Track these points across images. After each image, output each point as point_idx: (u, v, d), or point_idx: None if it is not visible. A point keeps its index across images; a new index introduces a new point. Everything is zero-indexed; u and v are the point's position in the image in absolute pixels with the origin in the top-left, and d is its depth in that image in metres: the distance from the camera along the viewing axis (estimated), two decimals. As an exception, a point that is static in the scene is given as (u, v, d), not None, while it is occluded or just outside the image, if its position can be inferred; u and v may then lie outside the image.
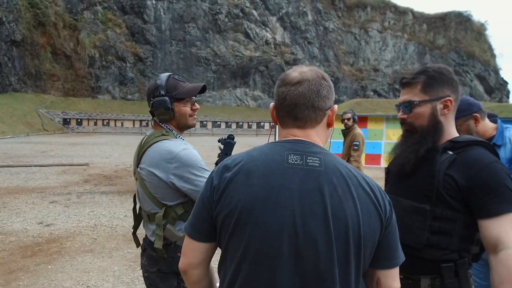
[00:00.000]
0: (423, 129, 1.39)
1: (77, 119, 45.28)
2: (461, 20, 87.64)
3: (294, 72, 1.07)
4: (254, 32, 64.47)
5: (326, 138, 1.10)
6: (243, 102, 61.97)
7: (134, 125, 47.46)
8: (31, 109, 41.90)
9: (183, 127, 1.83)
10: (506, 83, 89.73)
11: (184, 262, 1.08)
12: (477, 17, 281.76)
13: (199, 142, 26.53)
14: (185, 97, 1.75)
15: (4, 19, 40.87)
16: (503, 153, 2.02)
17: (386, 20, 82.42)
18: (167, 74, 1.82)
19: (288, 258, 0.92)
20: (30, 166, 12.49)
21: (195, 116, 1.84)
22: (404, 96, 1.43)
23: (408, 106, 1.41)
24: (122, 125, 47.12)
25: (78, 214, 6.60)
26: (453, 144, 1.37)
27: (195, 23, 60.59)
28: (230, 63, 61.45)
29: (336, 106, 1.08)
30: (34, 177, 10.53)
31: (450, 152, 1.35)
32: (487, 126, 2.10)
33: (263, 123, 52.28)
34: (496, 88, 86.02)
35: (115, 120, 47.45)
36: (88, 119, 46.05)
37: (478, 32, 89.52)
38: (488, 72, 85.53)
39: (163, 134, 1.76)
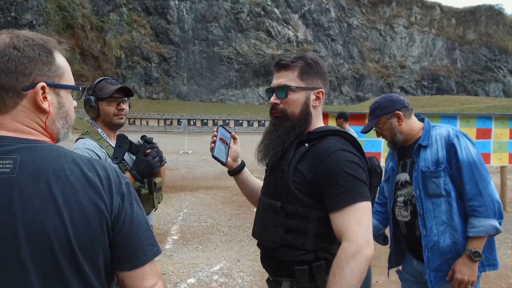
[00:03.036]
0: (294, 118, 1.28)
1: (104, 118, 46.86)
2: (492, 14, 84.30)
3: None
4: (276, 30, 64.45)
5: (32, 123, 0.83)
6: (266, 100, 61.97)
7: (158, 124, 48.46)
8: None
9: (109, 124, 1.96)
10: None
11: None
12: (509, 10, 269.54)
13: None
14: (105, 96, 1.89)
15: (34, 22, 42.66)
16: (429, 155, 1.76)
17: (413, 15, 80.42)
18: (100, 78, 2.00)
19: None
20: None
21: (121, 115, 1.96)
22: (280, 80, 1.30)
23: (284, 90, 1.28)
24: (147, 123, 48.21)
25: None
26: (309, 135, 1.26)
27: (217, 22, 61.21)
28: (253, 62, 61.66)
29: (42, 84, 0.81)
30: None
31: (306, 145, 1.24)
32: (413, 125, 1.85)
33: (285, 121, 52.11)
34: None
35: (141, 119, 48.61)
36: (115, 118, 47.50)
37: (510, 26, 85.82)
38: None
39: (83, 133, 1.94)
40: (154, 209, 2.00)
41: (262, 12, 63.82)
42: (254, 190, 1.50)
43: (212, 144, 1.45)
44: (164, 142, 24.47)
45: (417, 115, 1.98)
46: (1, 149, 0.77)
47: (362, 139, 5.78)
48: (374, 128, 1.91)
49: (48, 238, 0.75)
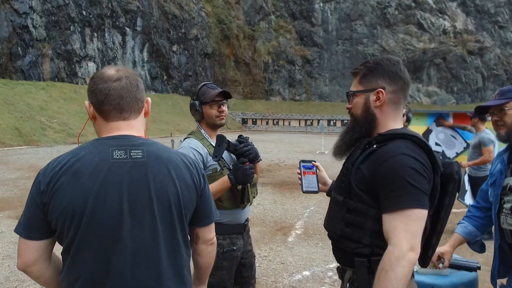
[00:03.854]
0: (358, 119, 1.39)
1: (252, 119, 50.91)
2: None
3: (110, 70, 1.21)
4: (429, 22, 58.54)
5: (144, 127, 1.27)
6: (415, 99, 57.13)
7: (299, 124, 50.04)
8: (217, 111, 49.32)
9: (211, 125, 2.17)
10: None
11: (19, 262, 1.16)
12: None
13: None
14: (208, 100, 2.09)
15: (199, 36, 49.34)
16: None
17: None
18: (202, 84, 2.21)
19: (122, 242, 1.10)
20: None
21: (222, 116, 2.15)
22: (351, 87, 1.46)
23: (350, 96, 1.42)
24: (289, 124, 50.34)
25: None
26: (378, 137, 1.31)
27: (362, 20, 59.30)
28: (400, 58, 57.57)
29: (149, 98, 1.27)
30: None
31: (375, 146, 1.30)
32: None
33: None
34: None
35: (284, 120, 51.07)
36: (262, 119, 51.09)
37: None
38: None
39: (189, 134, 2.20)
40: (249, 203, 2.20)
41: (413, 4, 58.90)
42: None
43: (300, 181, 1.65)
44: (303, 142, 25.25)
45: None
46: (134, 143, 1.17)
47: None
48: (493, 112, 1.78)
49: (168, 199, 1.16)
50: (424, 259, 1.36)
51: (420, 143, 1.25)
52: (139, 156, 1.15)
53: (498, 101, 1.73)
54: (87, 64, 33.53)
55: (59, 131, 22.20)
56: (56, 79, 29.90)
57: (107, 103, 1.17)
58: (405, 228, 1.14)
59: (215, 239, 1.42)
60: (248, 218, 2.33)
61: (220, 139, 2.02)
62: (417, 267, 1.98)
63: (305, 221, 6.10)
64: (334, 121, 48.27)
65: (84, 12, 32.65)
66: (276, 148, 20.71)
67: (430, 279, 1.91)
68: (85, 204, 1.07)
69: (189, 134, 2.22)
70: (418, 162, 1.21)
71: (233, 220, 2.15)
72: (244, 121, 50.39)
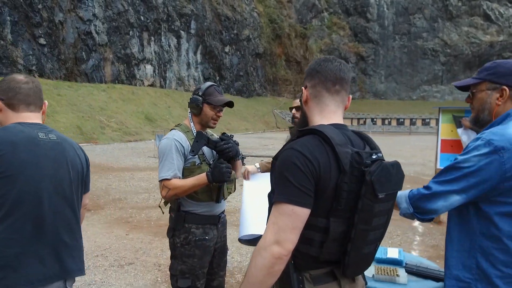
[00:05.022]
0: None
1: (303, 118, 50.49)
2: None
3: (19, 76, 1.64)
4: (497, 13, 53.81)
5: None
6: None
7: (351, 123, 48.67)
8: (268, 110, 49.65)
9: (204, 124, 2.26)
10: None
11: None
12: None
13: (418, 142, 24.86)
14: (212, 103, 2.19)
15: (250, 36, 49.97)
16: None
17: None
18: (210, 83, 2.29)
19: (49, 194, 1.52)
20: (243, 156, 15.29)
21: (216, 121, 2.24)
22: None
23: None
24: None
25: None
26: (298, 133, 1.29)
27: (422, 13, 56.13)
28: (464, 52, 53.67)
29: (46, 101, 1.69)
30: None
31: None
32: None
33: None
34: None
35: (336, 119, 50.01)
36: (312, 118, 50.46)
37: None
38: None
39: (176, 125, 2.29)
40: (224, 198, 2.28)
41: (479, -6, 54.57)
42: None
43: None
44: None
45: None
46: (48, 128, 1.60)
47: None
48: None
49: (77, 167, 1.65)
50: (343, 268, 1.23)
51: (325, 138, 1.18)
52: (55, 138, 1.59)
53: (470, 80, 1.52)
54: (145, 67, 35.46)
55: (116, 129, 23.79)
56: (116, 81, 32.01)
57: (16, 98, 1.56)
58: (274, 221, 1.14)
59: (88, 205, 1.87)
60: (224, 210, 2.40)
61: (199, 135, 2.12)
62: (373, 273, 1.91)
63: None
64: (389, 119, 46.24)
65: (142, 18, 34.57)
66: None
67: (384, 287, 1.84)
68: (23, 168, 1.46)
69: (176, 125, 2.32)
70: (304, 157, 1.14)
71: (208, 211, 2.24)
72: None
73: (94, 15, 29.64)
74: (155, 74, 36.36)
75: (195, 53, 41.77)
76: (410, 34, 56.64)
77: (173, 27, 38.31)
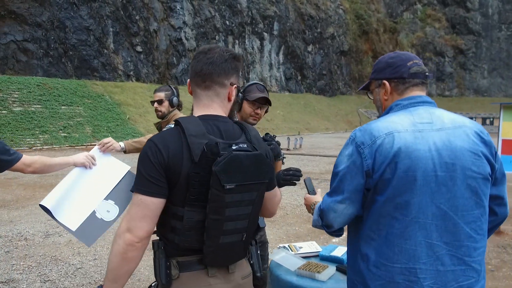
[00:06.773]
0: None
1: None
2: None
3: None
4: None
5: None
6: None
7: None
8: (352, 109, 48.11)
9: (244, 121, 2.24)
10: None
11: None
12: None
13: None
14: (249, 99, 2.21)
15: (335, 34, 48.93)
16: None
17: None
18: (253, 82, 2.32)
19: None
20: (308, 155, 15.17)
21: (255, 117, 2.25)
22: None
23: None
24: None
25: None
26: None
27: (537, -3, 48.84)
28: None
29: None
30: (309, 164, 12.93)
31: None
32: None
33: None
34: None
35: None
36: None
37: None
38: None
39: None
40: None
41: None
42: None
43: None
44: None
45: None
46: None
47: None
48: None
49: None
50: (202, 256, 1.26)
51: (182, 127, 1.23)
52: None
53: (365, 83, 1.53)
54: (230, 69, 37.15)
55: (199, 128, 25.46)
56: (203, 83, 34.13)
57: None
58: (129, 211, 1.23)
59: None
60: None
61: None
62: (297, 267, 1.94)
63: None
64: (491, 119, 41.12)
65: (227, 22, 36.34)
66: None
67: (301, 282, 1.83)
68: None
69: None
70: (156, 148, 1.21)
71: None
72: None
73: (184, 22, 32.07)
74: (239, 75, 37.82)
75: (277, 54, 42.44)
76: (520, 22, 49.71)
77: (256, 29, 39.48)
